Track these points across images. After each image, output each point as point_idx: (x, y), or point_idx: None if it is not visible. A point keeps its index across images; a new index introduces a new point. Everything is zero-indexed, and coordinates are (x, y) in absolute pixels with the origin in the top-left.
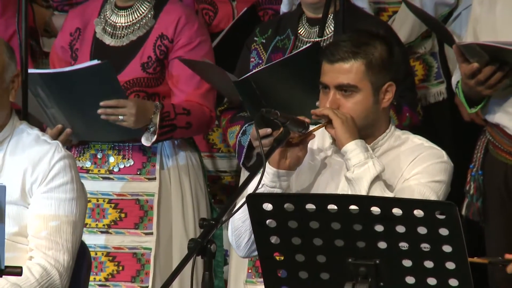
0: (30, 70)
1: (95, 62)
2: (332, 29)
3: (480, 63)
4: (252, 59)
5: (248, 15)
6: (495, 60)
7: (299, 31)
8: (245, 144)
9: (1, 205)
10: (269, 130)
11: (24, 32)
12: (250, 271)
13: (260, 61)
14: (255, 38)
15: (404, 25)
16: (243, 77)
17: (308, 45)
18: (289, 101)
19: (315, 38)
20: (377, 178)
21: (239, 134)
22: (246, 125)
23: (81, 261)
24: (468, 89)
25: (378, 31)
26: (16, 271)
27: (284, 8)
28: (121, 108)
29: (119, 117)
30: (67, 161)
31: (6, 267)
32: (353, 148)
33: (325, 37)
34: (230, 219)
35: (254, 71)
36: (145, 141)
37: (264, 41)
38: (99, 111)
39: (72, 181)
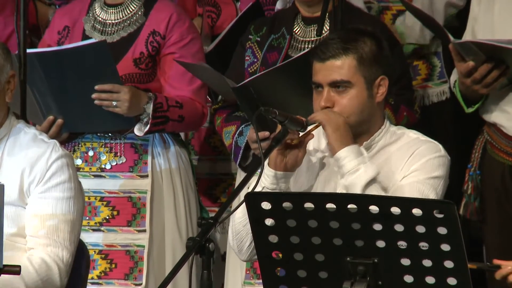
0: (28, 50)
1: (92, 40)
2: (328, 28)
3: (476, 62)
4: (247, 58)
5: (253, 12)
6: (491, 58)
7: (294, 30)
8: (242, 145)
9: None
10: (267, 133)
11: (23, 31)
12: (248, 272)
13: (255, 60)
14: (249, 36)
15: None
16: (242, 83)
17: (307, 49)
18: (287, 105)
19: (311, 37)
20: (372, 181)
21: (236, 135)
22: (243, 126)
23: (80, 259)
24: (465, 88)
25: (366, 27)
26: (15, 270)
27: (279, 5)
28: (115, 93)
29: (113, 102)
30: (64, 160)
31: (5, 266)
32: (345, 156)
33: (323, 37)
34: (231, 223)
35: (252, 77)
36: (138, 131)
37: (259, 39)
38: (94, 95)
39: (69, 180)
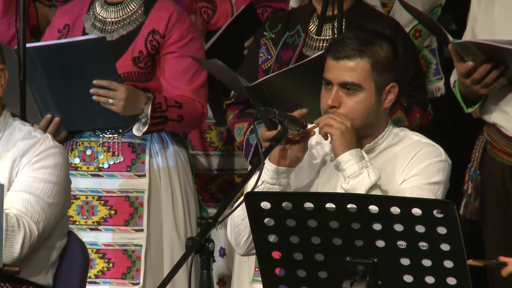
0: (27, 45)
1: (92, 36)
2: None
3: (475, 62)
4: (261, 55)
5: (246, 13)
6: (490, 59)
7: (310, 28)
8: (253, 142)
9: None
10: None
11: (22, 32)
12: (257, 269)
13: (269, 57)
14: (264, 33)
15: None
16: (255, 83)
17: (322, 52)
18: (300, 104)
19: (327, 35)
20: (373, 187)
21: (247, 132)
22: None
23: (79, 258)
24: (464, 89)
25: (385, 30)
26: (14, 269)
27: (293, 3)
28: (112, 91)
29: (109, 100)
30: (53, 150)
31: (4, 265)
32: (348, 159)
33: (328, 37)
34: (229, 217)
35: (265, 77)
36: (136, 131)
37: (273, 36)
38: (92, 90)
39: (54, 167)
